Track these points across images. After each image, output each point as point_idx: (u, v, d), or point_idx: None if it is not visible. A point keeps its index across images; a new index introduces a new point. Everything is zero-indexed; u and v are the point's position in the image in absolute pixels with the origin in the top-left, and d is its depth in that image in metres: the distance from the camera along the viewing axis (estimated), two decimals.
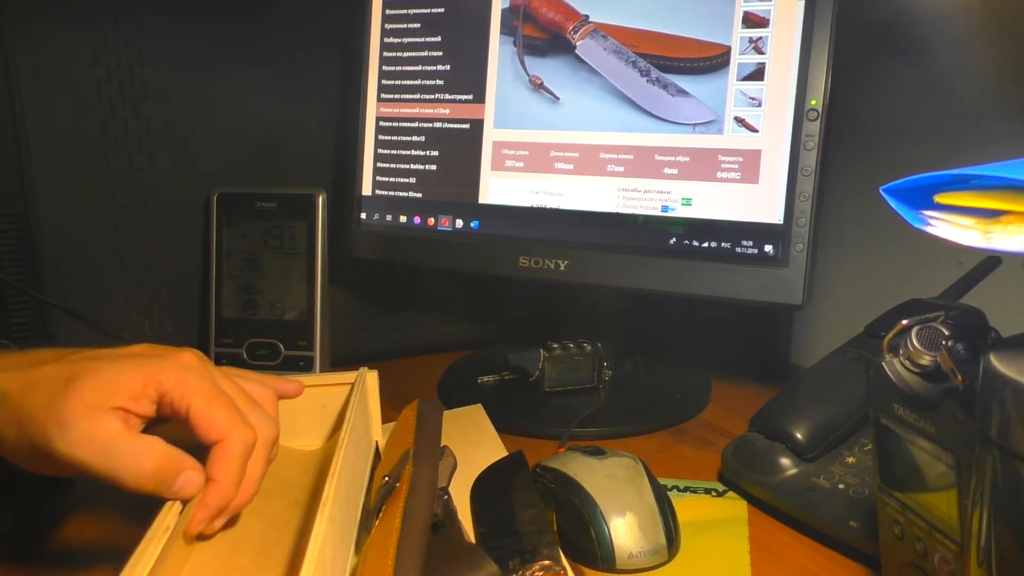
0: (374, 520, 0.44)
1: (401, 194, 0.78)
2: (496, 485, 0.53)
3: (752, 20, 0.63)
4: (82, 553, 0.49)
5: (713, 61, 0.65)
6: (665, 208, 0.67)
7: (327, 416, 0.57)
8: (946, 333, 0.35)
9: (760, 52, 0.63)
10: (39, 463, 0.40)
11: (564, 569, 0.43)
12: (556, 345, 0.71)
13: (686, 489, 0.57)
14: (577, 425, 0.65)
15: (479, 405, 0.68)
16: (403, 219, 0.78)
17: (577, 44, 0.69)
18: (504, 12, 0.72)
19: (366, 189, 0.79)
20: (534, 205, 0.72)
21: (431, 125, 0.76)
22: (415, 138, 0.77)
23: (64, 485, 0.57)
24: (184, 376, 0.41)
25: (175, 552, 0.38)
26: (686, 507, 0.53)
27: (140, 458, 0.39)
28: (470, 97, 0.74)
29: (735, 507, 0.54)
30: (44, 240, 0.70)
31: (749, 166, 0.64)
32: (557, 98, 0.71)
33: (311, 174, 0.81)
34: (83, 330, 0.69)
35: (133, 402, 0.40)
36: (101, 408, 0.39)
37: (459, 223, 0.75)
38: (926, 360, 0.36)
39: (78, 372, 0.40)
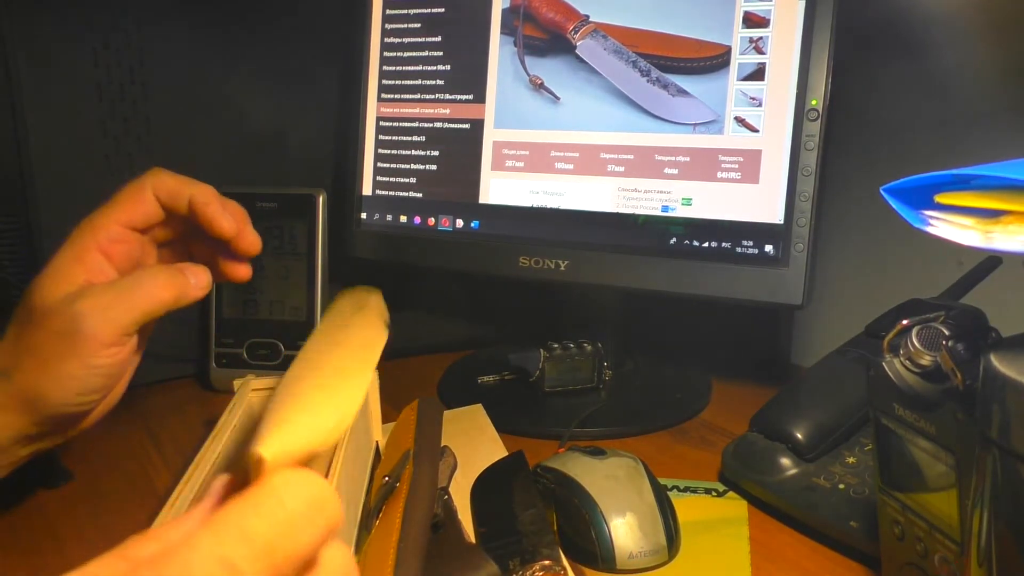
0: (374, 520, 0.44)
1: (401, 194, 0.78)
2: (496, 485, 0.53)
3: (752, 20, 0.63)
4: (82, 553, 0.49)
5: (713, 61, 0.65)
6: (665, 208, 0.67)
7: None
8: (946, 333, 0.35)
9: (760, 52, 0.63)
10: (85, 385, 0.44)
11: (564, 569, 0.43)
12: (556, 345, 0.71)
13: (686, 489, 0.57)
14: (577, 425, 0.65)
15: (479, 405, 0.68)
16: (403, 219, 0.78)
17: (577, 44, 0.69)
18: (504, 12, 0.72)
19: (366, 189, 0.79)
20: (534, 205, 0.72)
21: (431, 125, 0.76)
22: (415, 138, 0.77)
23: (63, 482, 0.57)
24: (95, 218, 0.47)
25: None
26: (686, 507, 0.53)
27: (146, 286, 0.45)
28: (470, 97, 0.74)
29: (735, 507, 0.54)
30: (44, 240, 0.70)
31: (749, 166, 0.64)
32: (557, 98, 0.71)
33: (311, 174, 0.82)
34: None
35: (89, 270, 0.45)
36: (80, 289, 0.44)
37: (459, 223, 0.75)
38: (926, 360, 0.36)
39: (30, 292, 0.44)
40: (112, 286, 0.44)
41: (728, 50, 0.64)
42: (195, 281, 0.47)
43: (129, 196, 0.48)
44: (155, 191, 0.48)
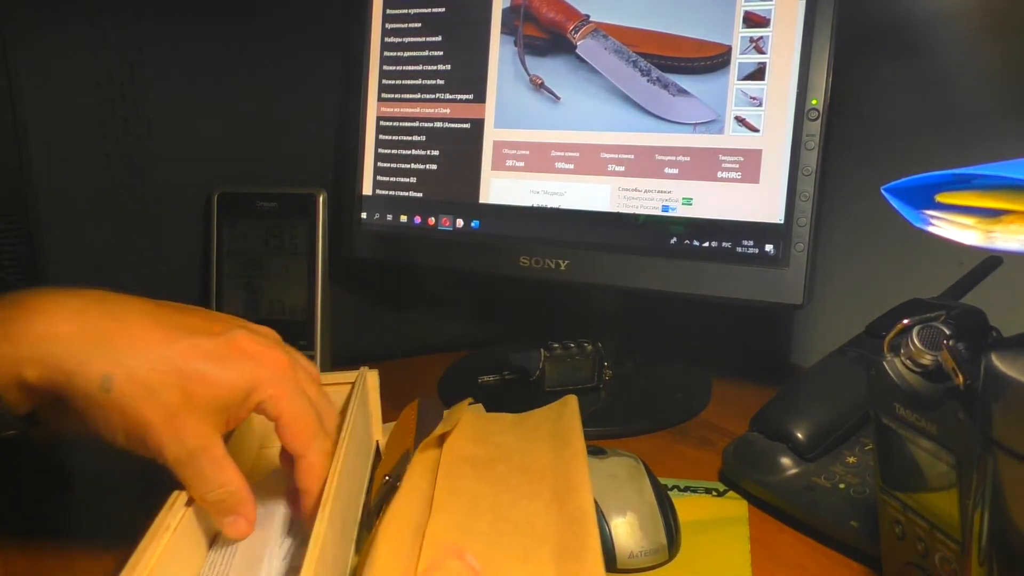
0: (374, 520, 0.44)
1: (402, 194, 0.78)
2: None
3: (753, 20, 0.63)
4: (82, 553, 0.49)
5: (714, 61, 0.65)
6: (666, 208, 0.67)
7: None
8: (947, 333, 0.35)
9: (761, 52, 0.63)
10: (131, 447, 0.41)
11: None
12: (556, 345, 0.71)
13: (687, 489, 0.57)
14: None
15: (479, 405, 0.68)
16: (403, 219, 0.78)
17: (578, 44, 0.69)
18: (505, 12, 0.72)
19: (366, 189, 0.79)
20: (535, 205, 0.72)
21: (432, 125, 0.76)
22: (416, 138, 0.77)
23: (64, 484, 0.57)
24: (280, 386, 0.43)
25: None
26: (687, 507, 0.53)
27: (220, 487, 0.42)
28: (471, 97, 0.74)
29: (736, 507, 0.54)
30: (44, 240, 0.70)
31: (750, 166, 0.64)
32: (558, 98, 0.71)
33: (311, 174, 0.81)
34: None
35: (235, 413, 0.42)
36: (213, 427, 0.41)
37: (459, 223, 0.75)
38: (927, 359, 0.36)
39: (190, 380, 0.41)
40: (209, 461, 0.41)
41: (728, 50, 0.64)
42: (227, 524, 0.43)
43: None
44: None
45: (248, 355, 0.43)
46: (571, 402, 0.53)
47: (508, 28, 0.72)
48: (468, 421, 0.52)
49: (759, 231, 0.64)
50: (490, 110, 0.73)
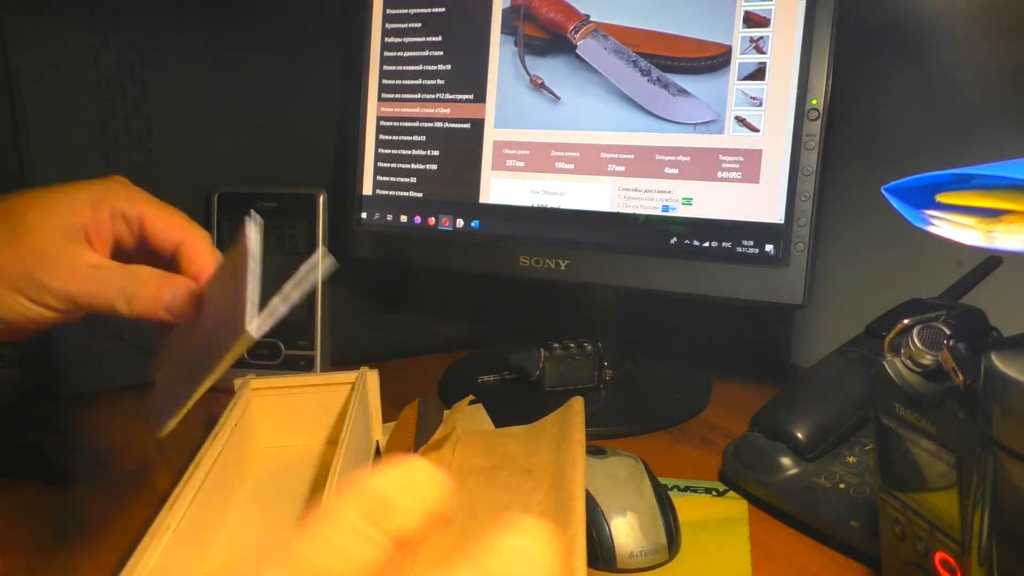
0: None
1: (402, 194, 0.78)
2: None
3: (753, 20, 0.63)
4: (82, 552, 0.49)
5: (714, 61, 0.65)
6: (666, 208, 0.67)
7: (327, 416, 0.57)
8: (947, 332, 0.35)
9: (761, 52, 0.63)
10: (20, 306, 0.39)
11: None
12: (556, 345, 0.71)
13: (687, 489, 0.56)
14: None
15: (479, 405, 0.68)
16: (403, 219, 0.78)
17: (578, 44, 0.69)
18: (505, 12, 0.72)
19: (367, 189, 0.79)
20: (535, 205, 0.72)
21: (432, 125, 0.76)
22: (416, 138, 0.77)
23: (64, 484, 0.57)
24: (127, 191, 0.42)
25: None
26: (687, 506, 0.53)
27: (131, 284, 0.40)
28: (471, 97, 0.74)
29: (736, 507, 0.54)
30: None
31: (750, 166, 0.64)
32: (558, 98, 0.71)
33: (311, 174, 0.81)
34: (82, 329, 0.69)
35: (94, 226, 0.40)
36: (75, 240, 0.39)
37: (459, 223, 0.75)
38: (927, 359, 0.36)
39: (25, 207, 0.39)
40: (116, 270, 0.40)
41: (728, 50, 0.64)
42: (168, 303, 0.40)
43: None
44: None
45: (81, 182, 0.42)
46: (576, 403, 0.53)
47: (508, 28, 0.72)
48: (478, 437, 0.52)
49: (759, 231, 0.64)
50: (490, 110, 0.73)
